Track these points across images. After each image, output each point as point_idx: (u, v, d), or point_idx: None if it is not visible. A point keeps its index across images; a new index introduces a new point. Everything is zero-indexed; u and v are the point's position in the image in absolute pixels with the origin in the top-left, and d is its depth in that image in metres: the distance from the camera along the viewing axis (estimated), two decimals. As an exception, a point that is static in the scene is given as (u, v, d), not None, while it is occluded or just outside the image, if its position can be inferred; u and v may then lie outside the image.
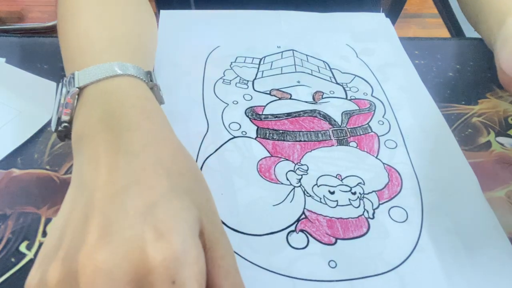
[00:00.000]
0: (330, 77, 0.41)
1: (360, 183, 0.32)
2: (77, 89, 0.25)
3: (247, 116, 0.36)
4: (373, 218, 0.30)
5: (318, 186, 0.32)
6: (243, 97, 0.38)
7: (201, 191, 0.23)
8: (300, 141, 0.35)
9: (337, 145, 0.35)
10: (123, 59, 0.28)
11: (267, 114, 0.37)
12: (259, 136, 0.35)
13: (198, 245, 0.19)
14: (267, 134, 0.35)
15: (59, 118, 0.26)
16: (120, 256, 0.17)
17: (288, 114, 0.37)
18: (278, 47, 0.44)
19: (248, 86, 0.39)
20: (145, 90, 0.27)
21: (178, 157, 0.23)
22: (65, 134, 0.27)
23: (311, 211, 0.30)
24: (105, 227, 0.18)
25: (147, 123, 0.23)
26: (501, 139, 0.33)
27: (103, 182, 0.20)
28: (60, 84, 0.27)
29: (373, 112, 0.38)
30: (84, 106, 0.25)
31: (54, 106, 0.27)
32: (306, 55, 0.43)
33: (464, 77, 0.43)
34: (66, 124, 0.26)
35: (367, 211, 0.30)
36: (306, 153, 0.34)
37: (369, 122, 0.37)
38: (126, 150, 0.21)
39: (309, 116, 0.37)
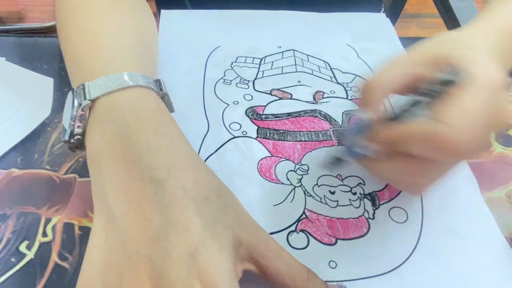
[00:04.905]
0: (330, 77, 0.41)
1: (360, 183, 0.32)
2: (90, 101, 0.25)
3: (248, 116, 0.36)
4: (373, 218, 0.30)
5: (318, 186, 0.32)
6: (244, 97, 0.38)
7: (227, 204, 0.23)
8: (301, 141, 0.35)
9: (338, 145, 0.35)
10: (132, 68, 0.28)
11: (268, 114, 0.37)
12: (259, 136, 0.35)
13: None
14: (268, 134, 0.35)
15: (71, 131, 0.26)
16: None
17: (289, 114, 0.37)
18: (278, 47, 0.44)
19: (248, 86, 0.39)
20: (157, 100, 0.27)
21: (200, 176, 0.23)
22: (76, 145, 0.27)
23: (311, 211, 0.30)
24: (155, 277, 0.19)
25: (165, 140, 0.23)
26: None
27: (137, 219, 0.21)
28: (71, 95, 0.27)
29: (373, 112, 0.38)
30: (97, 119, 0.25)
31: (64, 116, 0.27)
32: (307, 55, 0.43)
33: (465, 77, 0.43)
34: (79, 137, 0.26)
35: (368, 212, 0.30)
36: (307, 153, 0.34)
37: (369, 122, 0.37)
38: (150, 177, 0.21)
39: (310, 116, 0.37)
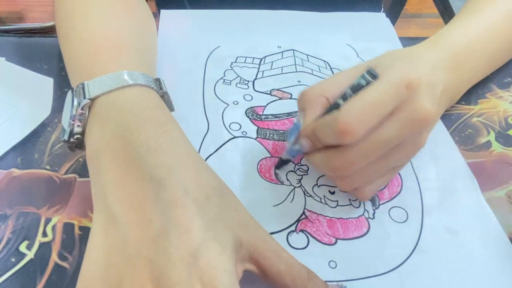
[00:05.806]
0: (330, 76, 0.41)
1: (360, 183, 0.32)
2: (89, 100, 0.25)
3: (248, 116, 0.36)
4: (373, 218, 0.30)
5: (318, 186, 0.32)
6: (244, 97, 0.38)
7: (228, 204, 0.23)
8: (300, 141, 0.35)
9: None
10: (132, 67, 0.28)
11: (268, 114, 0.37)
12: (259, 136, 0.35)
13: None
14: (268, 134, 0.35)
15: (71, 131, 0.26)
16: None
17: (289, 114, 0.37)
18: (278, 47, 0.44)
19: (248, 86, 0.39)
20: (157, 99, 0.27)
21: (200, 175, 0.23)
22: (76, 145, 0.27)
23: (311, 211, 0.30)
24: (156, 279, 0.19)
25: (166, 139, 0.23)
26: None
27: (137, 219, 0.20)
28: (70, 95, 0.27)
29: (373, 112, 0.38)
30: (97, 118, 0.25)
31: (63, 116, 0.27)
32: (307, 54, 0.43)
33: (464, 77, 0.43)
34: (78, 136, 0.26)
35: (367, 211, 0.30)
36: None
37: (369, 122, 0.37)
38: (151, 176, 0.21)
39: (309, 116, 0.37)
